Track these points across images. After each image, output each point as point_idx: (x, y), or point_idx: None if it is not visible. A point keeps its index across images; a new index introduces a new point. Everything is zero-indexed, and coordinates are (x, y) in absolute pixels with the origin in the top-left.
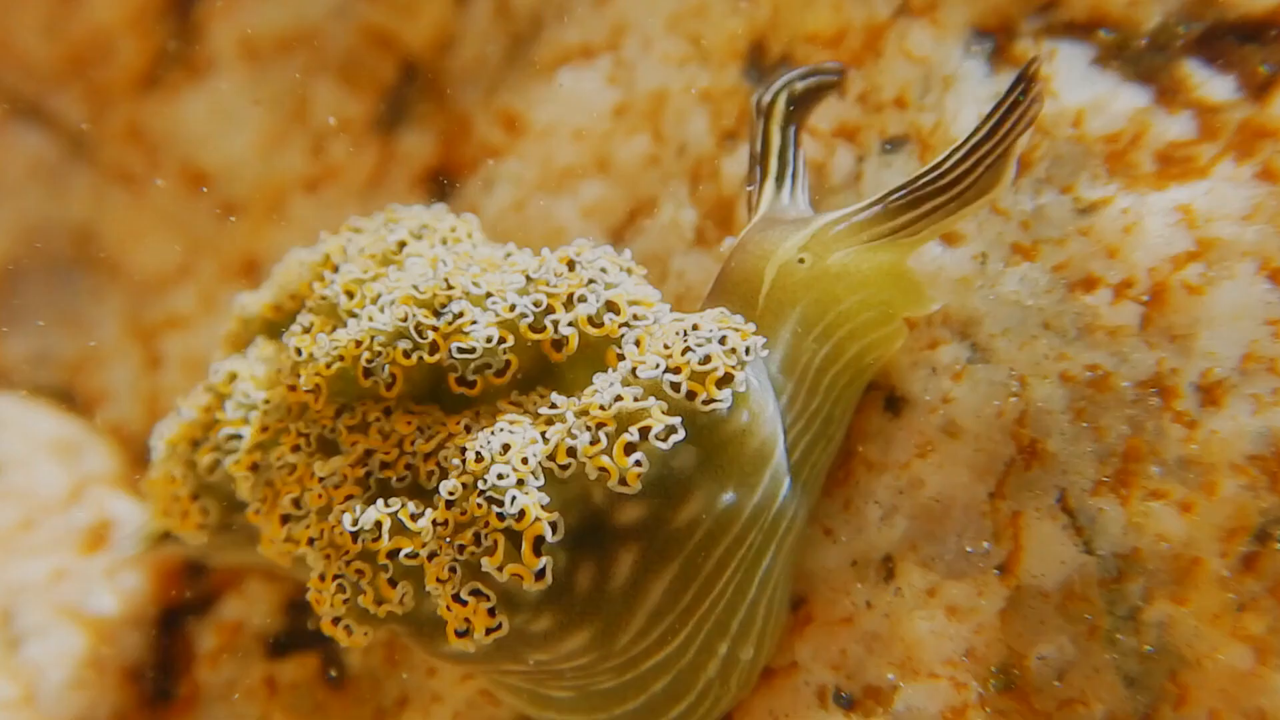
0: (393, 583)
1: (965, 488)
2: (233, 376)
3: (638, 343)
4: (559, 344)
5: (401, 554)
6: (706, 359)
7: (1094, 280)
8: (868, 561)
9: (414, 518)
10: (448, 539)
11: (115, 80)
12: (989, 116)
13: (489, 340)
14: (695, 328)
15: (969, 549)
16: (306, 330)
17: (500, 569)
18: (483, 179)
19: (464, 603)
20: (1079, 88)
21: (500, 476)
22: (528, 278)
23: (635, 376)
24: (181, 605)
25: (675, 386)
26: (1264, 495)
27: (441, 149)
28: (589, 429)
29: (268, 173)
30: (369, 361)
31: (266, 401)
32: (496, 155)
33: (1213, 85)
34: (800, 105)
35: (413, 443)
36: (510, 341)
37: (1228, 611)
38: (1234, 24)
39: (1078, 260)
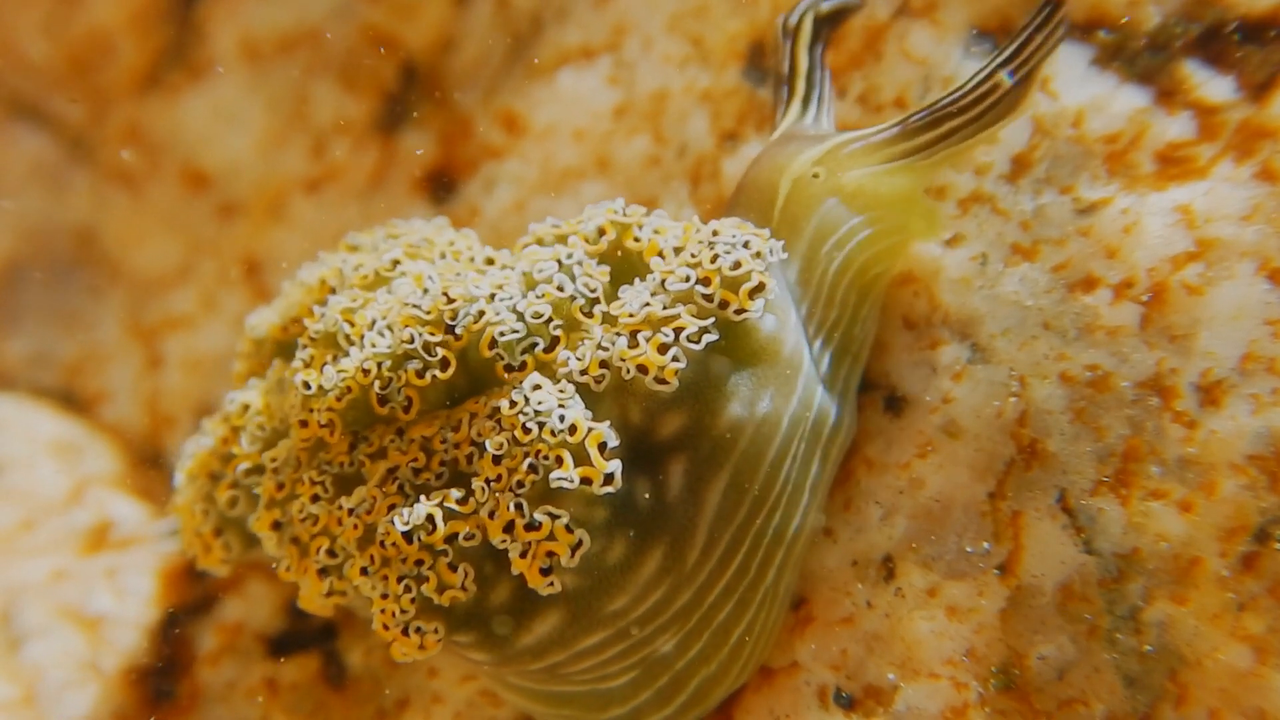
0: (453, 567)
1: (965, 488)
2: (246, 408)
3: (661, 254)
4: (617, 242)
5: (460, 537)
6: (737, 264)
7: (1094, 280)
8: (868, 561)
9: (462, 501)
10: (503, 491)
11: (116, 81)
12: (1013, 39)
13: (538, 316)
14: (716, 233)
15: (969, 549)
16: (308, 365)
17: (570, 478)
18: (483, 180)
19: (538, 525)
20: (1079, 88)
21: (540, 402)
22: (528, 278)
23: (664, 288)
24: (182, 606)
25: (708, 298)
26: (1263, 495)
27: (442, 150)
28: (621, 335)
29: (268, 173)
30: (382, 388)
31: (273, 459)
32: (497, 156)
33: (1212, 85)
34: (825, 26)
35: (443, 440)
36: (559, 320)
37: (1227, 611)
38: (1233, 24)
39: (1078, 261)
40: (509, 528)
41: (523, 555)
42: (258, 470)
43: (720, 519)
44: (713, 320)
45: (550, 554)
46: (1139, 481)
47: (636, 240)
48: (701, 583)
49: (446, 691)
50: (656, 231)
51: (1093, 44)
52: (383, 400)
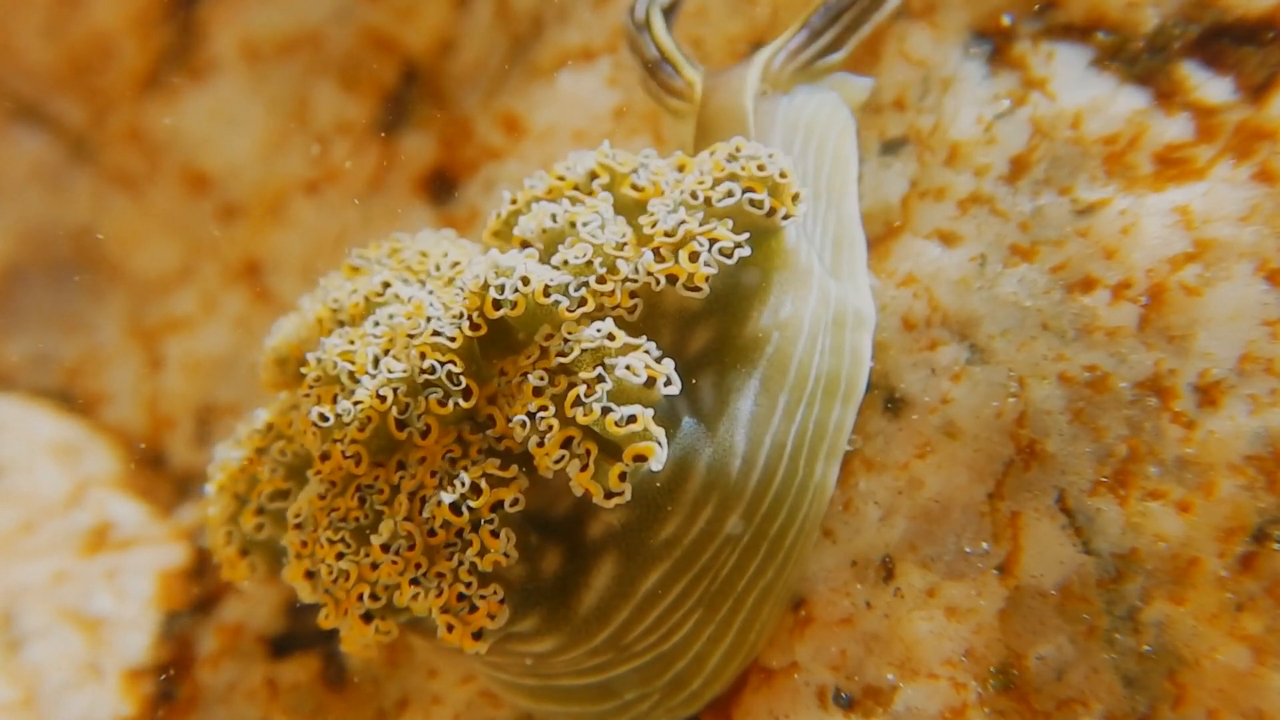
0: (495, 534)
1: (964, 488)
2: (270, 428)
3: (681, 169)
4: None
5: (505, 504)
6: (784, 173)
7: (1092, 281)
8: (867, 562)
9: (504, 468)
10: (556, 415)
11: (116, 82)
12: None
13: (580, 256)
14: (739, 148)
15: (968, 549)
16: (318, 403)
17: (636, 366)
18: (483, 181)
19: (634, 418)
20: (1077, 89)
21: (569, 332)
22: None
23: (711, 205)
24: (183, 607)
25: (756, 204)
26: (1261, 495)
27: (442, 151)
28: (648, 251)
29: (268, 175)
30: (400, 414)
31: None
32: (497, 157)
33: (1210, 87)
34: (667, 17)
35: (482, 432)
36: (599, 258)
37: (1226, 611)
38: (1231, 26)
39: (1076, 261)
40: (567, 443)
41: (583, 469)
42: (281, 495)
43: (756, 424)
44: (748, 235)
45: (639, 458)
46: (1137, 482)
47: (636, 189)
48: (751, 496)
49: (446, 693)
50: (656, 174)
51: (1091, 45)
52: (401, 425)
